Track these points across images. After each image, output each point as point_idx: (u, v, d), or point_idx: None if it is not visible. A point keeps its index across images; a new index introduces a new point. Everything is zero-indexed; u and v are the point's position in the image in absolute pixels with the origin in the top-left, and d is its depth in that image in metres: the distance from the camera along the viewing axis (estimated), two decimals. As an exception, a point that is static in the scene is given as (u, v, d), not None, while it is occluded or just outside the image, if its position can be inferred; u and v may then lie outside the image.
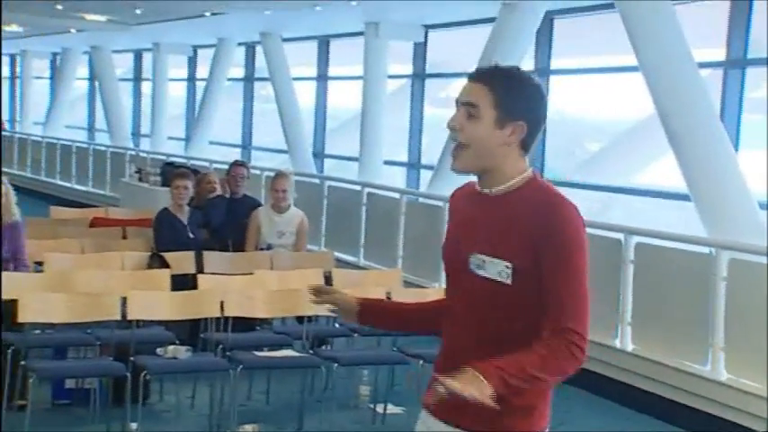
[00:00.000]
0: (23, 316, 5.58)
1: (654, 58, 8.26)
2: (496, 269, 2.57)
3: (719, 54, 8.77)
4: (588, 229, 7.89)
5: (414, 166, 13.16)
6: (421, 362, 6.13)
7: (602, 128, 13.50)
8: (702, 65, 8.31)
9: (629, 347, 7.12)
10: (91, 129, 22.85)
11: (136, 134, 20.79)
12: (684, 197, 8.41)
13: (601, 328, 7.16)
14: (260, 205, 8.50)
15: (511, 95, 2.61)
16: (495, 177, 2.64)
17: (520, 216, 2.57)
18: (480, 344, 2.61)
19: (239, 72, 17.70)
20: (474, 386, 2.39)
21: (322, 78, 15.39)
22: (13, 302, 5.73)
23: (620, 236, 7.31)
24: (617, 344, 7.19)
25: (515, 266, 2.55)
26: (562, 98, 11.26)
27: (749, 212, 7.35)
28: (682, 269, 6.90)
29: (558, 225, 2.55)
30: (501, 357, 2.50)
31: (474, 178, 2.72)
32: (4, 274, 6.11)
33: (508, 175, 2.63)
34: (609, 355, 7.09)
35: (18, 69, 25.28)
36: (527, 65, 10.87)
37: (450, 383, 2.38)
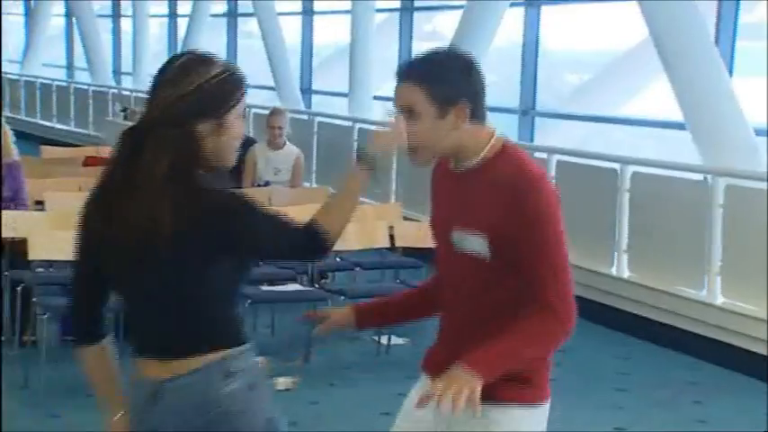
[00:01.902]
0: (34, 254, 5.66)
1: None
2: (475, 243, 2.58)
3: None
4: (584, 160, 8.09)
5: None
6: (425, 292, 6.27)
7: (581, 60, 13.49)
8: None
9: (626, 274, 7.31)
10: (70, 67, 22.66)
11: (117, 72, 20.64)
12: (673, 125, 8.54)
13: (597, 256, 7.37)
14: (255, 142, 8.56)
15: (442, 84, 2.58)
16: (460, 155, 2.64)
17: (491, 191, 2.57)
18: (474, 321, 2.64)
19: (222, 8, 17.58)
20: (464, 386, 2.38)
21: (308, 13, 15.32)
22: (21, 241, 5.81)
23: (617, 165, 7.44)
24: (613, 271, 7.37)
25: (491, 241, 2.56)
26: (549, 30, 11.25)
27: (745, 138, 7.47)
28: (677, 197, 7.06)
29: (529, 200, 2.53)
30: (488, 343, 2.50)
31: None
32: (10, 213, 6.19)
33: (471, 149, 2.62)
34: (605, 283, 7.27)
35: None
36: (518, -5, 10.86)
37: (440, 394, 2.37)
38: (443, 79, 2.59)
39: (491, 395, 2.49)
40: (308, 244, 2.50)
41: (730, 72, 8.27)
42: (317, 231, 2.49)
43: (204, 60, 2.42)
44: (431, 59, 2.65)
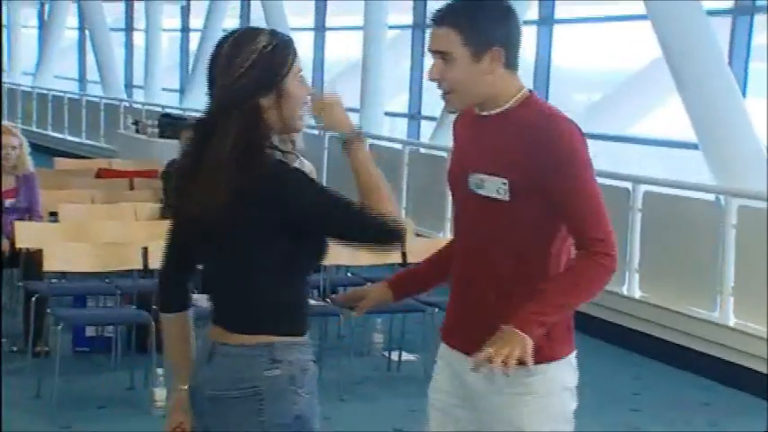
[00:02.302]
0: (49, 265, 5.67)
1: (662, 6, 8.32)
2: (494, 186, 2.59)
3: (728, 2, 8.83)
4: (596, 179, 7.89)
5: (414, 116, 13.22)
6: (436, 309, 6.25)
7: (591, 79, 13.51)
8: (711, 12, 8.37)
9: (637, 294, 7.28)
10: (82, 79, 22.73)
11: (129, 85, 20.70)
12: (686, 145, 8.54)
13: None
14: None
15: (477, 27, 2.59)
16: (490, 102, 2.66)
17: (516, 134, 2.59)
18: (497, 259, 2.64)
19: (235, 23, 17.63)
20: (517, 347, 2.42)
21: (320, 29, 15.36)
22: (36, 252, 5.83)
23: (629, 185, 7.42)
24: (624, 290, 7.34)
25: (512, 183, 2.56)
26: (561, 49, 11.27)
27: (758, 159, 7.47)
28: (689, 217, 7.04)
29: (557, 144, 2.55)
30: (535, 299, 2.52)
31: None
32: (25, 224, 6.22)
33: (502, 97, 2.64)
34: (617, 302, 7.23)
35: (4, 18, 25.05)
36: (530, 14, 10.90)
37: (492, 355, 2.40)
38: (479, 23, 2.60)
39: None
40: (391, 230, 2.45)
41: (744, 93, 8.29)
42: (389, 219, 2.45)
43: (249, 35, 2.48)
44: (467, 3, 2.66)
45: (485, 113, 2.67)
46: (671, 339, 6.88)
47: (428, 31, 2.68)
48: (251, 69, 2.41)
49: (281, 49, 2.46)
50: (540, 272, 2.62)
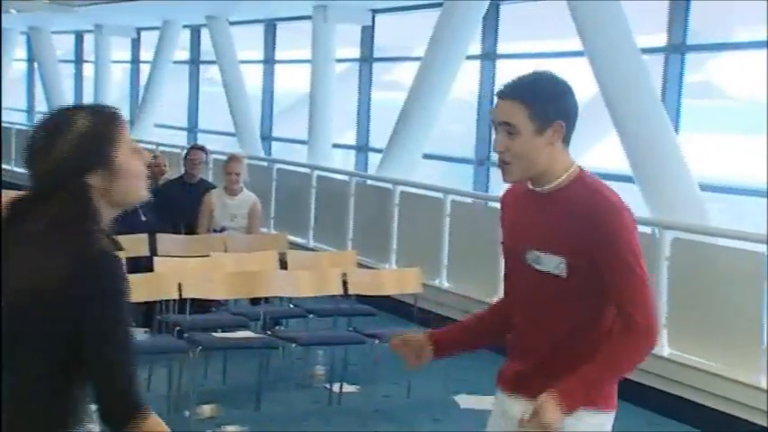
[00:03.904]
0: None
1: (599, 43, 8.48)
2: (553, 264, 2.72)
3: (661, 40, 9.02)
4: None
5: (362, 148, 13.30)
6: (376, 341, 6.30)
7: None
8: (645, 50, 8.55)
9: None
10: (30, 110, 22.59)
11: (78, 117, 20.57)
12: (625, 179, 8.68)
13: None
14: (214, 188, 8.58)
15: (542, 102, 2.73)
16: (544, 176, 2.78)
17: (571, 215, 2.71)
18: (545, 338, 2.79)
19: (184, 55, 17.65)
20: (555, 417, 2.60)
21: (269, 62, 15.44)
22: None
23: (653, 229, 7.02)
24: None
25: (569, 262, 2.70)
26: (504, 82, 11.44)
27: (690, 193, 7.62)
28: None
29: (609, 223, 2.68)
30: (578, 373, 2.68)
31: None
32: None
33: (555, 172, 2.77)
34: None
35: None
36: (474, 50, 11.04)
37: (539, 421, 2.60)
38: (544, 98, 2.75)
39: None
40: (124, 410, 2.18)
41: (676, 128, 8.47)
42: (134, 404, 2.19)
43: (66, 117, 2.28)
44: (533, 80, 2.81)
45: (538, 189, 2.80)
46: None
47: (494, 102, 2.80)
48: (74, 151, 2.22)
49: (103, 125, 2.28)
50: (592, 335, 2.77)
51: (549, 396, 2.62)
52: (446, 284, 8.43)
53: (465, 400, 6.51)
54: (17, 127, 18.86)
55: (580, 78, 9.53)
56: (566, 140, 2.77)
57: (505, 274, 2.98)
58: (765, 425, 5.80)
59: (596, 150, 10.97)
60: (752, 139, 9.22)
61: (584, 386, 2.69)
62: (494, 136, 2.80)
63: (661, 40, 8.99)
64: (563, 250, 2.71)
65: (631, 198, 8.52)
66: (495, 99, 2.80)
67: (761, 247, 6.12)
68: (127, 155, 2.29)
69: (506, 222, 2.95)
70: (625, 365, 2.74)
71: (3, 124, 19.13)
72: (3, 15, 18.46)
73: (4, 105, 21.90)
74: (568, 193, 2.75)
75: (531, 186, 2.82)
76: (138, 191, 2.35)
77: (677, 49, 8.91)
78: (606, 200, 2.72)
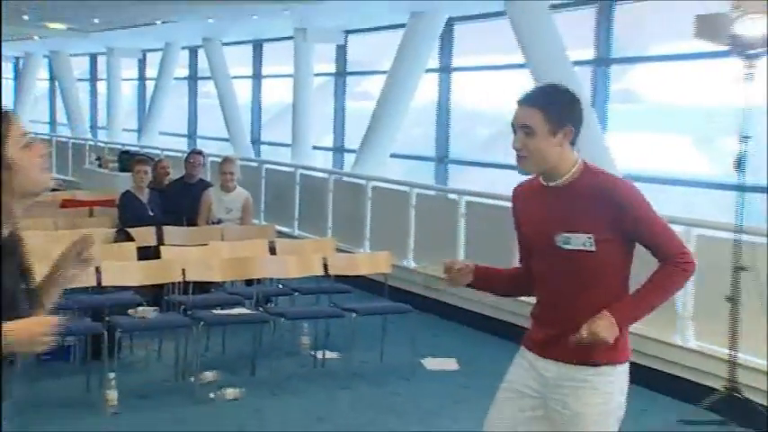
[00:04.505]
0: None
1: (538, 57, 8.48)
2: (581, 241, 2.74)
3: (589, 54, 9.04)
4: (491, 201, 7.73)
5: (338, 150, 13.23)
6: (354, 314, 6.25)
7: (491, 116, 13.69)
8: (576, 63, 8.56)
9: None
10: (52, 122, 22.33)
11: (93, 127, 20.38)
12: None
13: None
14: (211, 186, 8.49)
15: (556, 109, 2.76)
16: (555, 172, 2.80)
17: (592, 198, 2.74)
18: (583, 291, 2.78)
19: (184, 72, 17.50)
20: (609, 331, 2.67)
21: (257, 77, 15.33)
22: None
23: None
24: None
25: (596, 237, 2.73)
26: (458, 92, 11.40)
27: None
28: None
29: (624, 198, 2.73)
30: (627, 298, 2.75)
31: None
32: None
33: (565, 168, 2.79)
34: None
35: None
36: (432, 64, 11.01)
37: (591, 332, 2.65)
38: (557, 106, 2.79)
39: (591, 359, 2.74)
40: None
41: (604, 129, 8.47)
42: None
43: None
44: (548, 90, 2.86)
45: (552, 184, 2.81)
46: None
47: (515, 109, 2.80)
48: None
49: None
50: (614, 292, 2.79)
51: (602, 314, 2.67)
52: (412, 265, 8.38)
53: (430, 363, 6.49)
54: (41, 137, 18.60)
55: (522, 87, 9.52)
56: (574, 141, 2.80)
57: (523, 257, 2.97)
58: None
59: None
60: (663, 136, 9.27)
61: (633, 305, 2.74)
62: (512, 137, 2.81)
63: (589, 54, 9.01)
64: (590, 228, 2.73)
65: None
66: (516, 106, 2.81)
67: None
68: (17, 150, 2.17)
69: (522, 214, 2.95)
70: (671, 289, 2.81)
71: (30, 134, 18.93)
72: (27, 41, 18.26)
73: (30, 119, 21.71)
74: (582, 182, 2.77)
75: (543, 182, 2.84)
76: (38, 181, 2.21)
77: (603, 62, 8.93)
78: (616, 180, 2.79)
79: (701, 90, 8.58)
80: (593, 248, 2.74)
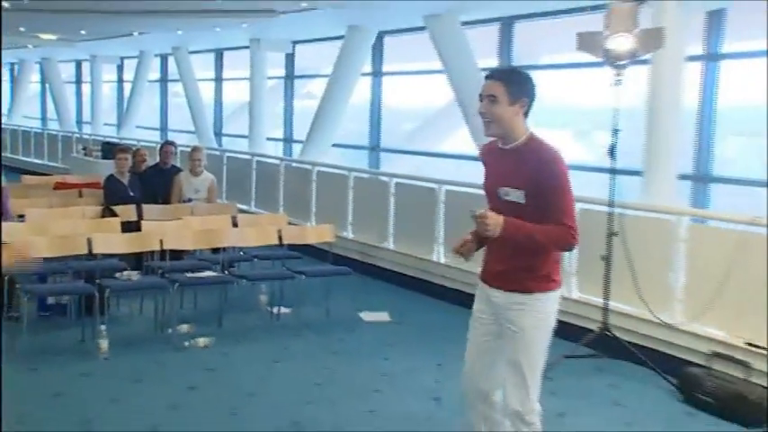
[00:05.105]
0: (17, 253, 5.38)
1: (452, 65, 8.57)
2: (515, 195, 2.85)
3: (494, 62, 9.16)
4: (416, 182, 7.76)
5: (288, 140, 13.17)
6: (303, 276, 6.28)
7: (414, 113, 13.78)
8: (483, 69, 8.66)
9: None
10: (44, 118, 21.67)
11: (79, 122, 19.84)
12: (474, 159, 8.81)
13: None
14: (181, 171, 8.39)
15: (516, 84, 2.86)
16: (510, 137, 2.89)
17: (527, 161, 2.83)
18: (510, 244, 2.87)
19: (156, 75, 17.15)
20: (493, 229, 2.78)
21: (218, 80, 15.12)
22: (8, 244, 5.53)
23: (435, 186, 7.19)
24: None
25: (526, 192, 2.83)
26: (388, 93, 11.44)
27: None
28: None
29: (549, 168, 2.82)
30: (523, 223, 2.82)
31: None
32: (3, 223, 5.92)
33: (517, 134, 2.88)
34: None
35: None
36: (366, 69, 11.01)
37: (484, 218, 2.77)
38: (516, 82, 2.88)
39: (526, 288, 2.90)
40: None
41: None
42: None
43: None
44: (512, 69, 3.04)
45: (506, 147, 2.89)
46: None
47: (483, 83, 2.88)
48: None
49: None
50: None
51: (500, 217, 2.78)
52: (351, 235, 8.44)
53: (367, 316, 6.55)
54: (35, 131, 18.07)
55: (441, 89, 9.62)
56: (526, 114, 2.88)
57: (489, 204, 3.07)
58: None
59: (452, 139, 11.09)
60: (550, 131, 9.45)
61: (522, 228, 2.81)
62: (478, 104, 2.90)
63: (494, 62, 9.13)
64: (522, 185, 2.83)
65: (472, 173, 8.73)
66: (484, 79, 2.89)
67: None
68: None
69: (486, 169, 3.02)
70: (549, 242, 2.86)
71: (23, 128, 18.35)
72: (22, 50, 17.65)
73: (23, 115, 21.04)
74: (526, 148, 2.86)
75: (500, 145, 2.92)
76: None
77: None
78: (548, 151, 2.84)
79: (580, 92, 8.78)
80: (523, 201, 2.83)
